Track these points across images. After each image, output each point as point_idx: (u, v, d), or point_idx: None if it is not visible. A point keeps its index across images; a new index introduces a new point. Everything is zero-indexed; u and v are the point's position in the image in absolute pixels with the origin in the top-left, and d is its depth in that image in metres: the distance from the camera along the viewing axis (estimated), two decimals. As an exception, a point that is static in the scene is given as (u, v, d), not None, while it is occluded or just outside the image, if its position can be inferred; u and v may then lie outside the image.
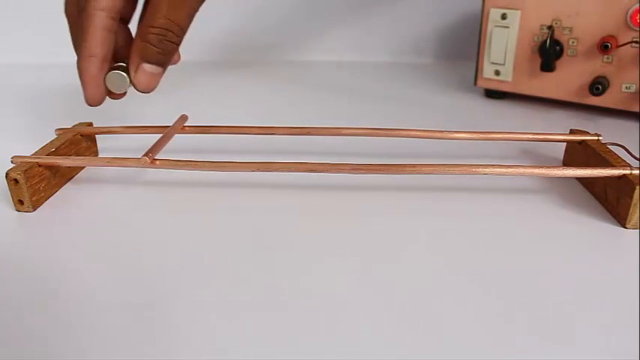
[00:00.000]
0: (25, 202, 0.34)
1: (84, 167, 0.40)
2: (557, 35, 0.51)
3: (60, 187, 0.38)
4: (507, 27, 0.53)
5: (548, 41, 0.50)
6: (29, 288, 0.28)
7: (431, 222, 0.34)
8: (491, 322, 0.25)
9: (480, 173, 0.34)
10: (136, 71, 0.34)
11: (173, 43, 0.34)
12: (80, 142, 0.41)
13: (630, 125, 0.50)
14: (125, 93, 0.37)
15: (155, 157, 0.36)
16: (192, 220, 0.34)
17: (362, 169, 0.35)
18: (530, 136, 0.40)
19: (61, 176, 0.38)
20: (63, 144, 0.38)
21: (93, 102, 0.36)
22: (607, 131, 0.41)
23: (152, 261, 0.30)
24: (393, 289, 0.28)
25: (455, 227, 0.33)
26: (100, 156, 0.43)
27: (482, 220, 0.34)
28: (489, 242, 0.32)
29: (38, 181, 0.35)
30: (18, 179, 0.34)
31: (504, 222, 0.34)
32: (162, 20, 0.33)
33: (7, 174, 0.34)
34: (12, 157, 0.35)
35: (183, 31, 0.34)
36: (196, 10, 0.35)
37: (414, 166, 0.34)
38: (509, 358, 0.23)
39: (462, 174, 0.34)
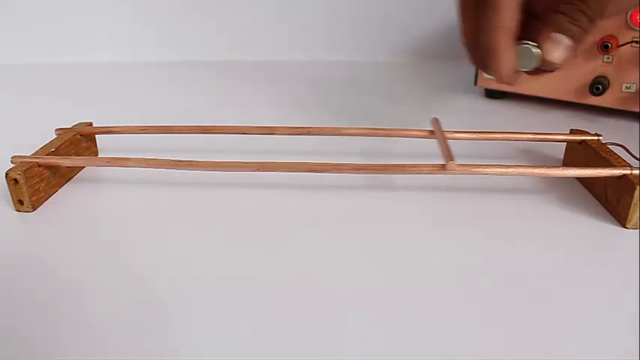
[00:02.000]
0: (24, 202, 0.34)
1: (84, 167, 0.40)
2: (557, 35, 0.51)
3: (60, 187, 0.38)
4: (507, 27, 0.53)
5: (548, 41, 0.50)
6: (29, 288, 0.28)
7: (431, 222, 0.34)
8: (491, 321, 0.25)
9: (480, 173, 0.34)
10: (552, 42, 0.31)
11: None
12: (80, 142, 0.41)
13: (630, 125, 0.50)
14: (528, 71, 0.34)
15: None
16: (193, 220, 0.34)
17: (362, 169, 0.35)
18: (530, 136, 0.40)
19: (60, 176, 0.38)
20: (63, 144, 0.38)
21: (508, 77, 0.33)
22: (607, 131, 0.41)
23: (152, 261, 0.30)
24: (394, 289, 0.28)
25: (455, 227, 0.33)
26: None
27: (482, 220, 0.34)
28: (489, 242, 0.32)
29: (38, 181, 0.35)
30: (18, 179, 0.34)
31: (504, 222, 0.34)
32: None
33: (6, 174, 0.34)
34: (12, 157, 0.35)
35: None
36: None
37: (414, 166, 0.34)
38: (509, 357, 0.23)
39: (462, 174, 0.34)
